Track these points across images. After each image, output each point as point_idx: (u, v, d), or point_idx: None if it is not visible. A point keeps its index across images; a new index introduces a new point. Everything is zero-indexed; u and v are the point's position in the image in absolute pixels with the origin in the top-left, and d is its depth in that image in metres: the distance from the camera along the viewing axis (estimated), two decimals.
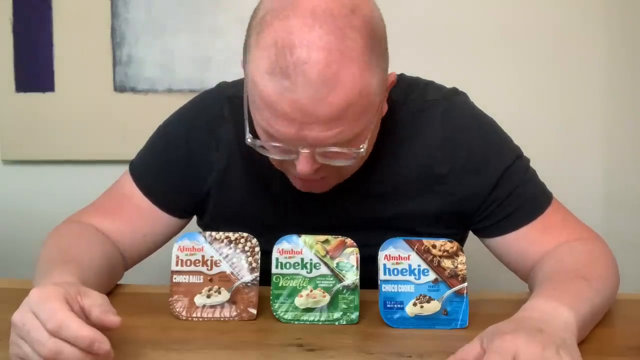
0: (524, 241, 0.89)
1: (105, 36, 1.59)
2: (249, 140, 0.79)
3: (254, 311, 0.81)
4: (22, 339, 0.63)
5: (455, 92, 0.94)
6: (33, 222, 1.66)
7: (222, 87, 0.97)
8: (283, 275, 0.81)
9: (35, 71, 1.60)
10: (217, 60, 1.59)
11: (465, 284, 0.80)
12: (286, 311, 0.80)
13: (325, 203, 0.90)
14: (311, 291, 0.80)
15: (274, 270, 0.81)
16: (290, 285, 0.80)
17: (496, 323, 0.67)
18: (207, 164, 0.93)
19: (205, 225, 0.99)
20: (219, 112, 0.93)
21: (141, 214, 0.94)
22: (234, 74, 1.16)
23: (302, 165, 0.76)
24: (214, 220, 0.96)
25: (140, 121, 1.60)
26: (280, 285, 0.80)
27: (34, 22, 1.59)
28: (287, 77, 0.71)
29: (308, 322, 0.80)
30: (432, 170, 0.89)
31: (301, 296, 0.80)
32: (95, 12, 1.58)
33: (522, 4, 1.59)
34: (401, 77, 0.92)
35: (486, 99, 1.10)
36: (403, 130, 0.89)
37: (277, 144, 0.76)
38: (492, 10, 1.59)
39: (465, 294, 0.79)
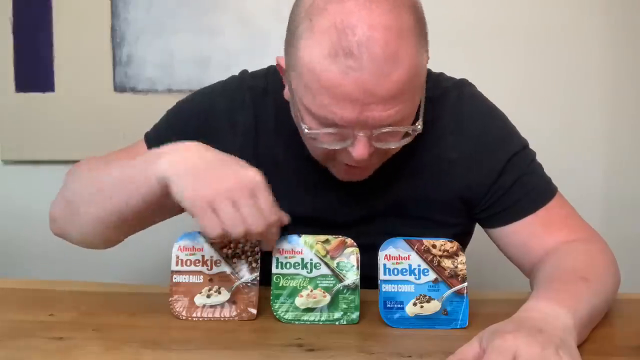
0: (525, 233, 0.89)
1: (105, 36, 1.59)
2: (305, 130, 0.78)
3: (254, 311, 0.81)
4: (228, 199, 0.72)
5: (466, 81, 0.97)
6: (33, 222, 1.66)
7: (245, 76, 0.98)
8: (283, 275, 0.81)
9: (35, 71, 1.60)
10: (217, 60, 1.59)
11: (465, 284, 0.80)
12: (286, 311, 0.80)
13: (337, 188, 0.91)
14: (311, 291, 0.80)
15: (274, 270, 0.81)
16: (291, 285, 0.80)
17: (496, 323, 0.67)
18: (221, 145, 0.91)
19: None
20: (241, 98, 0.94)
21: None
22: (234, 74, 1.16)
23: (360, 151, 0.76)
24: None
25: (140, 121, 1.60)
26: (280, 285, 0.80)
27: (34, 22, 1.59)
28: (351, 56, 0.71)
29: (308, 322, 0.80)
30: (444, 155, 0.91)
31: (301, 296, 0.80)
32: (95, 12, 1.58)
33: (522, 3, 1.59)
34: None
35: (499, 110, 1.10)
36: (427, 116, 0.90)
37: (332, 131, 0.76)
38: (492, 9, 1.59)
39: (465, 294, 0.79)
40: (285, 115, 0.87)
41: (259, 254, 0.82)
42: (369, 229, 0.91)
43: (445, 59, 1.53)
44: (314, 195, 0.92)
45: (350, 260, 0.81)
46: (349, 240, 0.81)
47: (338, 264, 0.81)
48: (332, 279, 0.80)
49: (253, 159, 0.88)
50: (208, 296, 0.81)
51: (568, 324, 0.68)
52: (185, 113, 0.97)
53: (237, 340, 0.74)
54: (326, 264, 0.80)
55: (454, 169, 0.91)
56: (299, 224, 0.83)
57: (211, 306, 0.81)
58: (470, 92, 0.95)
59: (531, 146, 0.97)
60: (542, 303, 0.71)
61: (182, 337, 0.75)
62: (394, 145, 0.80)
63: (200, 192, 0.73)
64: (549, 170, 1.02)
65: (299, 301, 0.80)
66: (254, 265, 0.82)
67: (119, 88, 1.61)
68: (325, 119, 0.76)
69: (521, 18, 1.59)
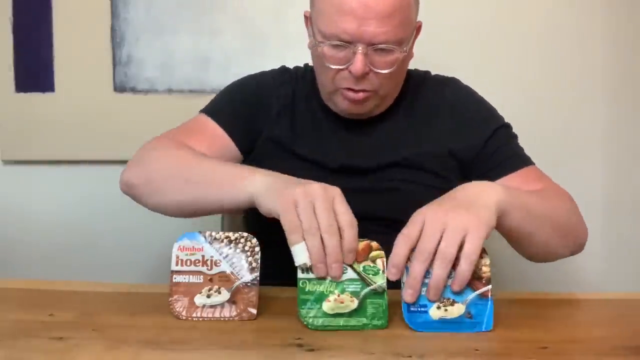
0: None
1: (105, 36, 1.59)
2: (313, 43, 0.99)
3: (254, 311, 0.81)
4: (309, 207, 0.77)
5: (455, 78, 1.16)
6: (33, 222, 1.66)
7: (284, 67, 1.18)
8: (310, 280, 0.79)
9: (35, 71, 1.60)
10: (217, 60, 1.59)
11: (490, 287, 0.77)
12: (314, 317, 0.78)
13: (360, 142, 1.08)
14: (338, 296, 0.78)
15: (300, 275, 0.79)
16: (318, 290, 0.78)
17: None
18: (267, 111, 1.11)
19: (253, 160, 1.09)
20: (281, 77, 1.15)
21: (216, 139, 1.07)
22: (234, 74, 1.17)
23: (357, 64, 0.94)
24: (262, 159, 1.07)
25: (140, 121, 1.61)
26: (307, 290, 0.79)
27: (34, 22, 1.59)
28: None
29: (337, 328, 0.78)
30: (447, 121, 1.08)
31: (329, 301, 0.78)
32: (95, 12, 1.58)
33: (522, 4, 1.59)
34: (415, 70, 1.16)
35: (486, 99, 1.11)
36: (429, 98, 1.11)
37: (337, 43, 0.95)
38: (492, 10, 1.59)
39: (489, 297, 0.77)
40: (312, 86, 1.11)
41: (259, 253, 0.82)
42: (387, 175, 1.05)
43: (448, 59, 1.54)
44: (343, 141, 1.08)
45: (376, 264, 0.79)
46: (374, 244, 0.80)
47: (364, 267, 0.79)
48: (359, 283, 0.79)
49: (292, 117, 1.11)
50: (208, 296, 0.81)
51: (491, 196, 0.80)
52: (242, 84, 1.15)
53: (237, 340, 0.74)
54: (352, 268, 0.79)
55: (453, 132, 1.07)
56: (329, 169, 1.05)
57: (211, 306, 0.81)
58: (465, 85, 1.13)
59: (531, 148, 1.01)
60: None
61: (182, 337, 0.75)
62: (386, 70, 0.96)
63: (287, 191, 0.79)
64: (549, 170, 1.02)
65: (327, 306, 0.78)
66: (254, 265, 0.82)
67: (119, 88, 1.61)
68: (332, 35, 0.95)
69: (523, 19, 1.59)
